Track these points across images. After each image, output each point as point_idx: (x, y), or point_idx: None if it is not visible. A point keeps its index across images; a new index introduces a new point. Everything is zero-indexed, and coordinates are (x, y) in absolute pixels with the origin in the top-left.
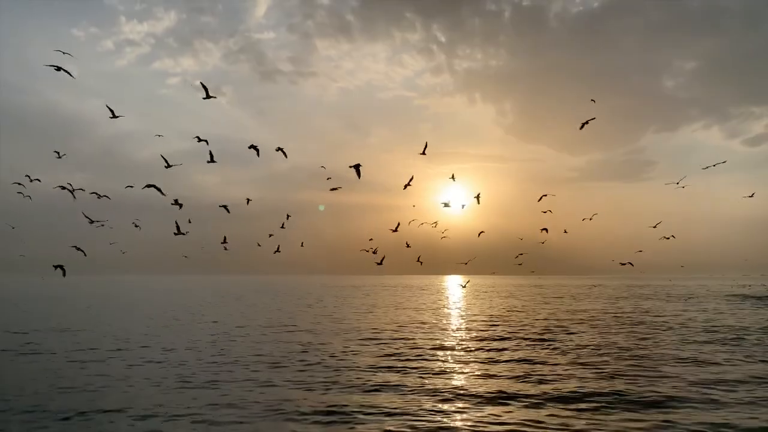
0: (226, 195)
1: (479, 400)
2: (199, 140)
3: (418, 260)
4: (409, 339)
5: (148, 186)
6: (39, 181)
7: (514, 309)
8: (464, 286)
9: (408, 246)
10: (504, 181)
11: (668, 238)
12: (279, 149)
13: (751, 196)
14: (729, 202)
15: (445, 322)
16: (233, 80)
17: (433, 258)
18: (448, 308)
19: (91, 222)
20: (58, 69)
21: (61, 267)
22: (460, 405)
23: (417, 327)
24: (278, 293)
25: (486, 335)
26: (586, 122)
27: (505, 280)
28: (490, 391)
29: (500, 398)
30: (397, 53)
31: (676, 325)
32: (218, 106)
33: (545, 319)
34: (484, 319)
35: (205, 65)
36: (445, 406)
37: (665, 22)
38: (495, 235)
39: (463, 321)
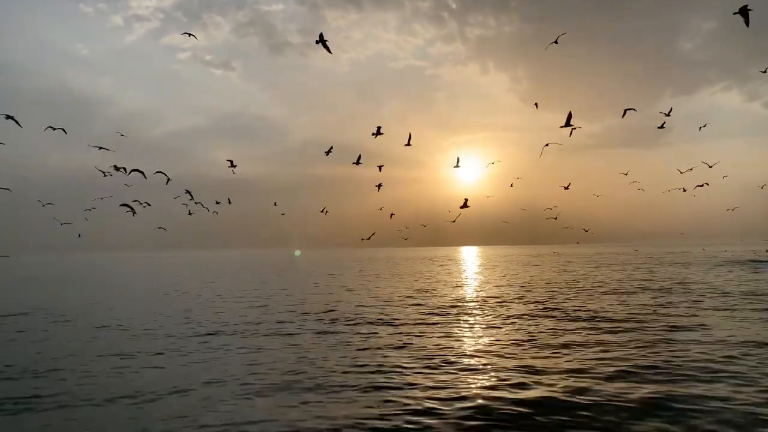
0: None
1: None
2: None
3: None
4: None
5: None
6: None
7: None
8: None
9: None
10: (519, 150)
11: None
12: (229, 163)
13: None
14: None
15: None
16: (243, 54)
17: (442, 230)
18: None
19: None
20: None
21: None
22: None
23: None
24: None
25: None
26: None
27: (522, 250)
28: None
29: None
30: (408, 22)
31: None
32: (228, 80)
33: None
34: None
35: (215, 39)
36: None
37: None
38: (507, 205)
39: None
